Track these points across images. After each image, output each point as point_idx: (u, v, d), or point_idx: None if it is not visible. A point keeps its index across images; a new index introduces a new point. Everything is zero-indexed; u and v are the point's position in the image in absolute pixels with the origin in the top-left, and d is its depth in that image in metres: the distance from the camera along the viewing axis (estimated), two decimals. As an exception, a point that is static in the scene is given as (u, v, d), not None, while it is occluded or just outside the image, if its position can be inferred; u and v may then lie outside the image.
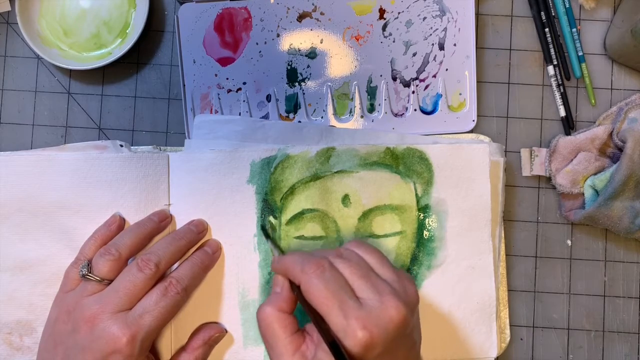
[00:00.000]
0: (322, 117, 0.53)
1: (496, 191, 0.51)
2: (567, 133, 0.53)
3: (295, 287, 0.40)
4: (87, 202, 0.48)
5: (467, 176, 0.49)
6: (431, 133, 0.53)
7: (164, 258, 0.44)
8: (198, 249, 0.47)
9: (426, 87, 0.53)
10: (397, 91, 0.53)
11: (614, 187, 0.49)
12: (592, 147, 0.51)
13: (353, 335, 0.35)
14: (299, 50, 0.53)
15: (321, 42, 0.53)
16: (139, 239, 0.45)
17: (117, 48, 0.53)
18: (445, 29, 0.53)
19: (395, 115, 0.53)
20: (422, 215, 0.49)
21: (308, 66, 0.53)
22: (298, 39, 0.53)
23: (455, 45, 0.53)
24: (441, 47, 0.53)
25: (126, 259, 0.44)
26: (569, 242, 0.53)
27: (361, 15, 0.53)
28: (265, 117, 0.53)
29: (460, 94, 0.53)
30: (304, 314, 0.39)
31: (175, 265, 0.46)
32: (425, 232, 0.49)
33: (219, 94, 0.53)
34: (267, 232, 0.48)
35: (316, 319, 0.37)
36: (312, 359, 0.37)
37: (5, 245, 0.48)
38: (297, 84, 0.53)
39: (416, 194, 0.50)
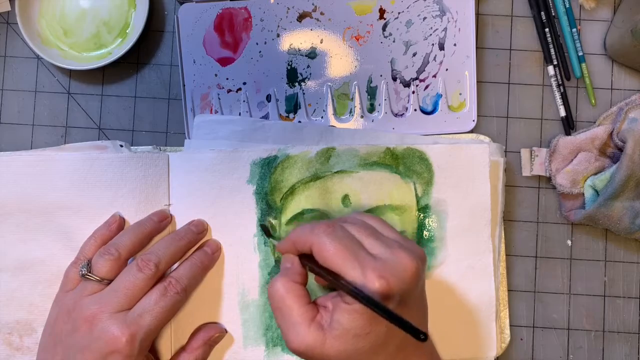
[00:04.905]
0: (322, 117, 0.53)
1: (496, 191, 0.51)
2: (567, 133, 0.53)
3: (305, 259, 0.40)
4: (87, 202, 0.48)
5: (467, 176, 0.49)
6: (431, 133, 0.53)
7: (163, 258, 0.44)
8: (198, 249, 0.47)
9: (426, 87, 0.53)
10: (397, 91, 0.53)
11: (614, 187, 0.48)
12: (592, 147, 0.51)
13: (371, 285, 0.35)
14: (299, 50, 0.53)
15: (321, 42, 0.53)
16: (139, 239, 0.45)
17: (117, 48, 0.53)
18: (445, 29, 0.53)
19: (395, 115, 0.53)
20: (422, 215, 0.49)
21: (308, 66, 0.53)
22: (298, 39, 0.53)
23: (455, 45, 0.53)
24: (441, 47, 0.53)
25: (126, 259, 0.44)
26: (569, 242, 0.53)
27: (361, 15, 0.53)
28: (265, 117, 0.53)
29: (460, 94, 0.53)
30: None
31: (175, 265, 0.46)
32: (425, 232, 0.49)
33: (219, 94, 0.53)
34: (267, 230, 0.48)
35: (333, 278, 0.37)
36: (328, 326, 0.37)
37: (5, 245, 0.48)
38: (297, 84, 0.53)
39: (416, 194, 0.50)
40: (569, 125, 0.53)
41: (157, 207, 0.48)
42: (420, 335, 0.33)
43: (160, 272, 0.43)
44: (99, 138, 0.54)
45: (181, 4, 0.53)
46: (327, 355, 0.36)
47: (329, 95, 0.53)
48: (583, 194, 0.51)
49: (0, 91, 0.54)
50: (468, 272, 0.49)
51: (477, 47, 0.53)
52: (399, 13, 0.53)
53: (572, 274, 0.53)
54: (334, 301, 0.37)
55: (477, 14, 0.54)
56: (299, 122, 0.53)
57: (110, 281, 0.43)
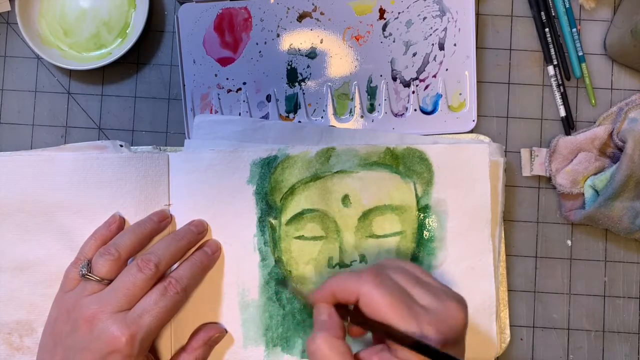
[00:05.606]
0: (322, 117, 0.53)
1: (496, 191, 0.50)
2: (567, 133, 0.53)
3: (344, 310, 0.38)
4: (87, 202, 0.48)
5: (467, 176, 0.49)
6: (431, 133, 0.52)
7: (163, 258, 0.44)
8: (198, 249, 0.47)
9: (426, 87, 0.53)
10: (397, 91, 0.53)
11: (614, 187, 0.48)
12: (592, 147, 0.51)
13: (429, 340, 0.35)
14: (299, 50, 0.53)
15: (321, 42, 0.53)
16: (139, 239, 0.45)
17: (117, 48, 0.53)
18: (445, 29, 0.53)
19: (395, 115, 0.53)
20: (422, 215, 0.49)
21: (308, 66, 0.53)
22: (298, 39, 0.53)
23: (455, 45, 0.53)
24: (441, 47, 0.53)
25: (126, 259, 0.44)
26: (569, 242, 0.53)
27: (361, 15, 0.53)
28: (265, 117, 0.53)
29: (460, 94, 0.53)
30: None
31: (175, 265, 0.46)
32: (425, 232, 0.49)
33: (219, 94, 0.53)
34: (284, 282, 0.48)
35: (386, 331, 0.36)
36: None
37: (5, 245, 0.48)
38: (297, 84, 0.53)
39: (416, 194, 0.50)
40: (569, 125, 0.53)
41: (157, 207, 0.48)
42: None
43: (160, 272, 0.43)
44: (99, 138, 0.54)
45: (181, 4, 0.53)
46: None
47: (329, 95, 0.53)
48: (583, 194, 0.51)
49: (0, 91, 0.54)
50: (468, 272, 0.49)
51: (477, 47, 0.53)
52: (399, 13, 0.53)
53: (572, 274, 0.53)
54: (382, 356, 0.36)
55: (477, 14, 0.54)
56: (299, 122, 0.53)
57: (110, 281, 0.43)
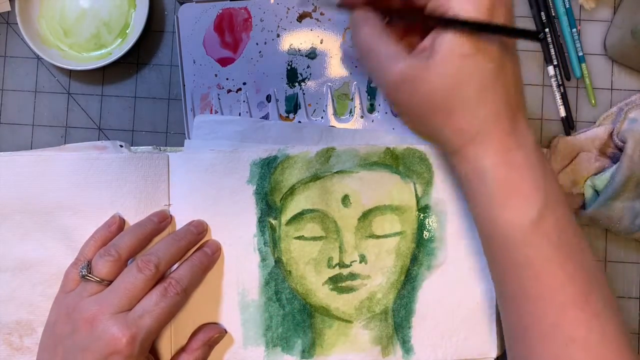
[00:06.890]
0: (322, 117, 0.53)
1: (496, 191, 0.50)
2: (567, 133, 0.53)
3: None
4: (87, 202, 0.48)
5: (467, 176, 0.49)
6: (431, 133, 0.52)
7: (163, 259, 0.44)
8: (198, 250, 0.47)
9: (426, 87, 0.53)
10: (397, 91, 0.53)
11: (614, 187, 0.48)
12: (592, 148, 0.51)
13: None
14: (299, 50, 0.53)
15: (321, 42, 0.53)
16: (139, 240, 0.45)
17: (117, 48, 0.53)
18: (445, 29, 0.53)
19: (395, 115, 0.53)
20: (422, 215, 0.49)
21: (308, 66, 0.53)
22: (298, 39, 0.53)
23: (455, 45, 0.52)
24: (441, 47, 0.53)
25: (126, 260, 0.44)
26: (569, 242, 0.53)
27: (361, 16, 0.53)
28: (265, 117, 0.53)
29: (460, 94, 0.53)
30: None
31: (175, 266, 0.46)
32: (425, 233, 0.49)
33: (219, 94, 0.53)
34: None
35: (418, 14, 0.34)
36: (431, 51, 0.33)
37: (5, 246, 0.48)
38: (297, 84, 0.53)
39: (416, 194, 0.49)
40: (569, 125, 0.53)
41: (157, 207, 0.48)
42: (538, 35, 0.31)
43: (160, 273, 0.43)
44: (99, 138, 0.54)
45: (181, 4, 0.53)
46: (429, 81, 0.34)
47: (329, 95, 0.53)
48: (583, 194, 0.51)
49: (0, 91, 0.54)
50: (468, 272, 0.49)
51: (477, 47, 0.53)
52: (399, 13, 0.53)
53: (572, 274, 0.53)
54: (430, 38, 0.33)
55: (477, 14, 0.54)
56: (299, 122, 0.53)
57: (110, 282, 0.43)
